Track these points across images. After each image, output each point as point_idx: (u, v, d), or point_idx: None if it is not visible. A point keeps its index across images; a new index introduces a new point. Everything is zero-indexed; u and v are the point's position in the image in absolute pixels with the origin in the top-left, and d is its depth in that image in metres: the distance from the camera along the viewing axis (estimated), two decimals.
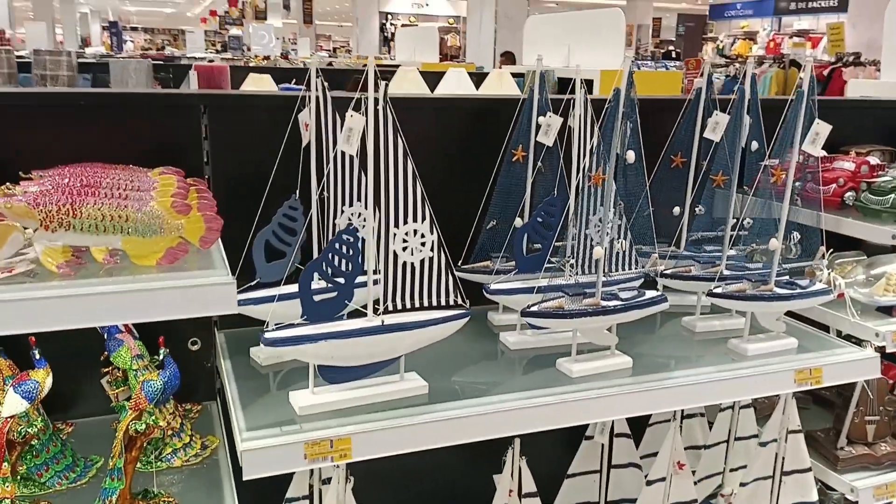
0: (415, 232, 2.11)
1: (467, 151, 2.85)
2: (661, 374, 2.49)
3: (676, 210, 3.24)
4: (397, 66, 7.69)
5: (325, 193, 2.31)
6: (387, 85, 1.89)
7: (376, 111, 1.92)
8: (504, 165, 2.70)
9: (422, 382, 2.27)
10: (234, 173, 2.51)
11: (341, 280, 2.10)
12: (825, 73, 9.49)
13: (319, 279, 2.08)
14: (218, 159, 2.50)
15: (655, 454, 2.84)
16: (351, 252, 2.10)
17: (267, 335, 2.00)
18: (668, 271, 2.95)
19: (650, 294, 2.58)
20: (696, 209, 3.25)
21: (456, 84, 6.10)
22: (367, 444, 1.96)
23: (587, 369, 2.46)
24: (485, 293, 2.80)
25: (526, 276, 2.70)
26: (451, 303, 2.28)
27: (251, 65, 11.59)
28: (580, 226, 2.44)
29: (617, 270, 2.52)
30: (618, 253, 2.68)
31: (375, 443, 1.98)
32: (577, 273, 2.48)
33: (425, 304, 2.26)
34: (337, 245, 2.08)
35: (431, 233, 2.12)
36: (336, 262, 2.09)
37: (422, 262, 2.14)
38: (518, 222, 2.73)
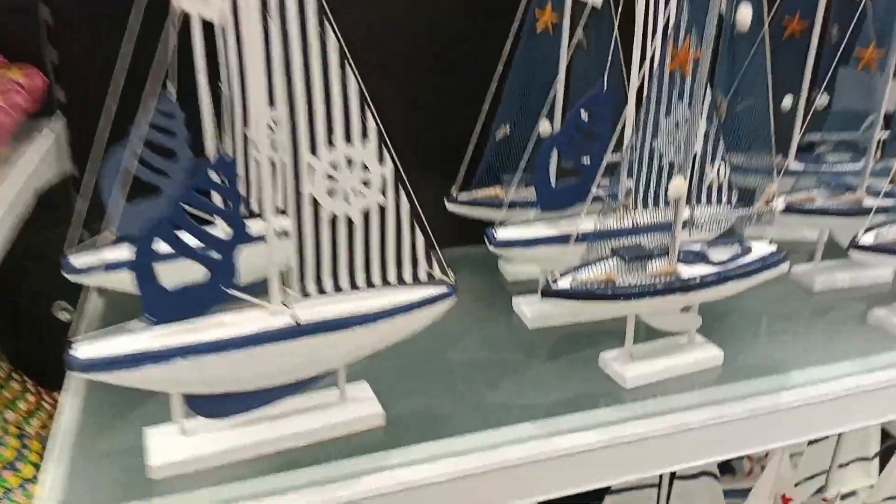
0: (348, 162, 1.37)
1: (461, 21, 2.12)
2: (771, 379, 1.75)
3: (787, 101, 2.21)
4: None
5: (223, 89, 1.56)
6: None
7: None
8: (523, 40, 1.91)
9: (374, 408, 1.59)
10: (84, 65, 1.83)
11: (214, 252, 1.33)
12: None
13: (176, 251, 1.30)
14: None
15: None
16: (227, 201, 1.34)
17: (74, 351, 1.28)
18: (781, 200, 1.83)
19: (758, 251, 1.76)
20: (818, 100, 2.23)
21: None
22: None
23: (649, 374, 1.73)
24: (488, 244, 1.72)
25: (554, 215, 1.88)
26: (425, 276, 1.52)
27: None
28: (645, 137, 1.62)
29: (705, 211, 1.71)
30: (710, 185, 1.58)
31: None
32: (638, 217, 1.67)
33: (375, 281, 1.49)
34: (199, 190, 1.31)
35: (381, 163, 1.38)
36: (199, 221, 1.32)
37: (366, 213, 1.42)
38: (544, 128, 1.92)
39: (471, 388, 1.70)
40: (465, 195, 2.08)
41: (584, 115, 1.85)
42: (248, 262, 1.40)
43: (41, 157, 1.78)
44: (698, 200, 1.72)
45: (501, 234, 1.84)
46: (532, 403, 1.63)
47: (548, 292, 1.56)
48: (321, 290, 1.45)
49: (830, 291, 2.18)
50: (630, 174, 1.73)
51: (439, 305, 1.53)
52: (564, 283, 1.57)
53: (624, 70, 1.83)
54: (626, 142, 1.75)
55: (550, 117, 1.95)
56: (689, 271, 1.64)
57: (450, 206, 2.06)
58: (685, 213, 1.63)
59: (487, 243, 1.86)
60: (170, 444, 1.45)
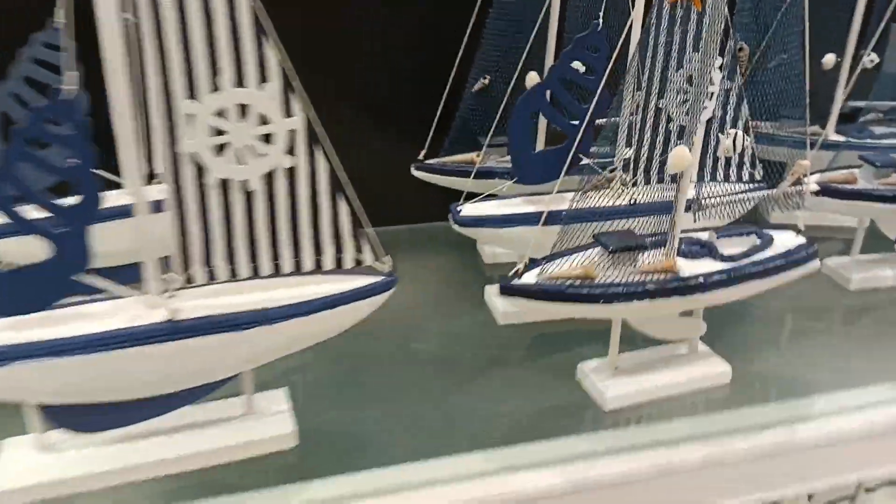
0: (241, 111, 1.06)
1: None
2: (791, 406, 1.41)
3: (828, 59, 1.86)
4: None
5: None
6: None
7: None
8: None
9: (284, 425, 1.29)
10: None
11: (62, 222, 1.05)
12: None
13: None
14: None
15: None
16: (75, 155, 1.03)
17: None
18: (814, 179, 1.49)
19: (781, 243, 1.41)
20: (866, 59, 1.90)
21: None
22: None
23: (635, 393, 1.40)
24: (452, 222, 1.39)
25: (534, 189, 1.56)
26: (352, 262, 1.21)
27: None
28: (649, 94, 1.33)
29: (716, 190, 1.35)
30: (725, 157, 1.24)
31: None
32: (635, 192, 1.35)
33: (286, 268, 1.18)
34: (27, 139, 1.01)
35: (288, 112, 1.08)
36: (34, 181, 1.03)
37: (269, 179, 1.11)
38: (531, 80, 1.58)
39: (415, 399, 1.38)
40: (435, 161, 1.74)
41: (576, 64, 1.49)
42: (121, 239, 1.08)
43: None
44: (709, 176, 1.36)
45: (467, 210, 1.51)
46: (485, 426, 1.33)
47: (507, 289, 1.23)
48: (212, 278, 1.13)
49: (870, 292, 1.83)
50: (629, 141, 1.38)
51: (369, 301, 1.20)
52: (530, 278, 1.24)
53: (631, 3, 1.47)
54: (624, 100, 1.39)
55: (539, 66, 1.59)
56: (690, 268, 1.30)
57: (415, 172, 1.74)
58: (689, 191, 1.28)
59: (451, 221, 1.52)
60: (22, 463, 1.15)
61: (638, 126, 1.41)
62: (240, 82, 1.06)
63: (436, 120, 1.74)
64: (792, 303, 1.75)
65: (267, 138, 1.10)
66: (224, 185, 1.11)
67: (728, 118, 1.47)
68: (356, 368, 1.49)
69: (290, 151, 1.12)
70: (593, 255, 1.27)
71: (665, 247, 1.30)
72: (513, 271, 1.26)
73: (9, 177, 0.99)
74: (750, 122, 1.48)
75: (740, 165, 1.50)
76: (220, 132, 1.08)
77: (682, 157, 1.21)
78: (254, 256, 1.16)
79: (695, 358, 1.46)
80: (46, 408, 1.17)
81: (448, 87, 1.72)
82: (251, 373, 1.28)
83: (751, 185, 1.50)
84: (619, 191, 1.39)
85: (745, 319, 1.66)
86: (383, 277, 1.25)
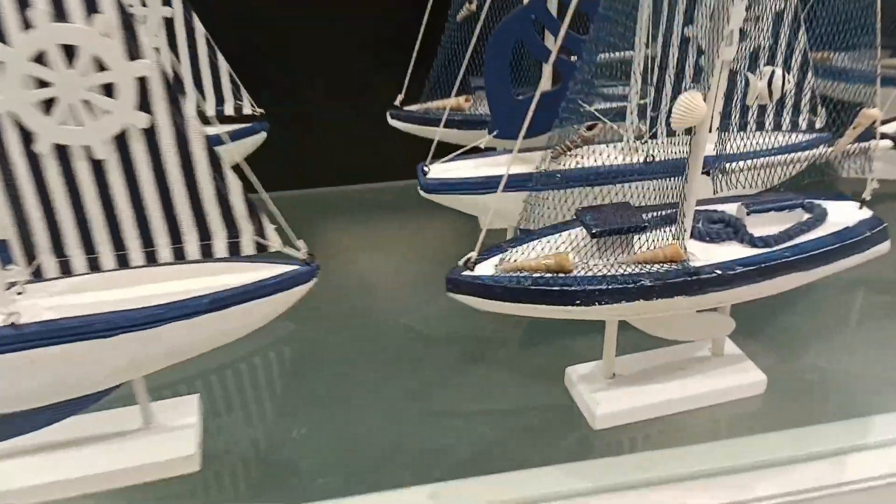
0: (67, 54, 0.82)
1: None
2: (843, 428, 1.07)
3: None
4: None
5: None
6: None
7: None
8: None
9: (186, 445, 1.05)
10: None
11: None
12: None
13: None
14: None
15: None
16: None
17: None
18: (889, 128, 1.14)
19: (837, 218, 1.05)
20: None
21: None
22: None
23: (634, 410, 1.09)
24: (420, 188, 1.13)
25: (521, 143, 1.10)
26: (252, 246, 0.97)
27: None
28: (671, 20, 1.03)
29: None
30: (777, 104, 0.95)
31: None
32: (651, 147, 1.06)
33: (163, 256, 0.94)
34: None
35: (132, 55, 0.83)
36: None
37: (120, 143, 0.86)
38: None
39: (360, 411, 1.12)
40: (416, 107, 1.44)
41: None
42: None
43: None
44: (740, 127, 1.01)
45: (435, 171, 1.20)
46: (446, 444, 1.07)
47: (454, 283, 0.93)
48: (67, 271, 0.88)
49: None
50: (647, 81, 1.07)
51: (276, 298, 0.94)
52: (485, 269, 0.94)
53: None
54: (638, 28, 1.07)
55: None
56: (708, 254, 0.96)
57: (392, 121, 1.44)
58: (708, 147, 0.94)
59: (419, 189, 1.23)
60: None
61: (657, 62, 1.08)
62: (58, 12, 0.79)
63: (413, 57, 1.43)
64: (854, 287, 1.38)
65: (108, 91, 0.84)
66: (61, 152, 0.86)
67: (780, 49, 1.11)
68: (296, 365, 1.24)
69: (145, 108, 0.85)
70: (572, 239, 0.96)
71: (674, 226, 0.98)
72: (464, 259, 0.97)
73: None
74: (810, 54, 1.12)
75: (796, 110, 1.14)
76: (42, 84, 0.83)
77: (692, 107, 0.88)
78: (118, 243, 0.91)
79: (719, 363, 1.14)
80: None
81: (426, 15, 1.39)
82: (143, 378, 1.05)
83: (808, 137, 1.15)
84: (633, 146, 1.07)
85: (790, 309, 1.31)
86: (297, 267, 0.98)
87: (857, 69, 1.33)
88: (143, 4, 1.27)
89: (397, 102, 1.49)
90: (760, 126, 1.12)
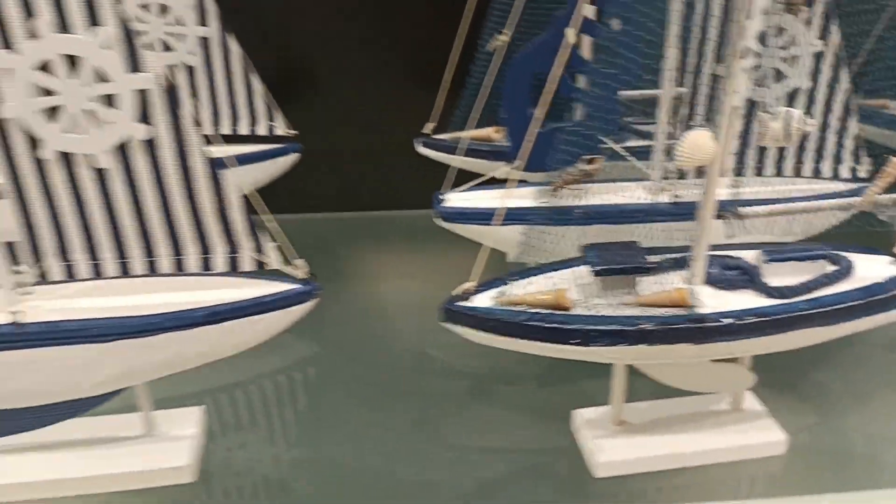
0: (71, 64, 0.85)
1: None
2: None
3: None
4: None
5: None
6: None
7: None
8: None
9: (182, 457, 1.05)
10: None
11: None
12: None
13: None
14: None
15: None
16: None
17: None
18: None
19: (865, 272, 0.97)
20: None
21: None
22: None
23: (641, 461, 1.02)
24: (434, 215, 1.12)
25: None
26: (251, 262, 0.97)
27: None
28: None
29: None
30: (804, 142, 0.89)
31: None
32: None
33: (163, 266, 0.95)
34: None
35: (133, 67, 0.85)
36: None
37: (122, 153, 0.89)
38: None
39: (362, 436, 1.11)
40: (447, 135, 1.44)
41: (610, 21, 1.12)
42: None
43: None
44: (756, 170, 0.96)
45: (451, 200, 1.18)
46: (443, 477, 1.03)
47: (450, 314, 0.91)
48: (70, 275, 0.90)
49: None
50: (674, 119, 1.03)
51: (272, 316, 0.93)
52: (482, 300, 0.91)
53: None
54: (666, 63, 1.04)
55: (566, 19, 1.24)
56: (718, 301, 0.91)
57: (419, 148, 1.43)
58: (724, 189, 0.89)
59: (435, 216, 1.22)
60: None
61: (686, 100, 1.04)
62: (62, 24, 0.82)
63: (443, 86, 1.42)
64: (882, 344, 1.28)
65: (110, 101, 0.85)
66: (66, 159, 0.88)
67: (820, 91, 1.05)
68: (306, 387, 1.23)
69: (145, 119, 0.87)
70: (574, 276, 0.92)
71: (682, 269, 0.93)
72: (460, 288, 0.94)
73: None
74: (853, 97, 1.06)
75: (836, 157, 1.07)
76: (47, 91, 0.85)
77: (699, 146, 0.83)
78: (120, 251, 0.93)
79: (737, 418, 1.07)
80: None
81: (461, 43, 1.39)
82: (148, 386, 1.06)
83: (850, 186, 1.08)
84: (657, 186, 1.03)
85: (822, 364, 1.22)
86: (296, 286, 0.97)
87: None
88: (180, 24, 1.31)
89: (426, 130, 1.49)
90: (796, 171, 1.06)
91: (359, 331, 1.30)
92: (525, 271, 0.97)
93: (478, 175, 1.34)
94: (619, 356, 0.92)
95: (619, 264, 0.91)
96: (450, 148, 1.46)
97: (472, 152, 1.42)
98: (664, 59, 1.08)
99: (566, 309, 0.91)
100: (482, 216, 1.19)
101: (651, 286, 0.93)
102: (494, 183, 1.27)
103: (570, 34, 1.32)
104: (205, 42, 1.34)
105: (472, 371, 1.28)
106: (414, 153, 1.54)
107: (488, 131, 1.43)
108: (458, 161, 1.43)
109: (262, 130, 1.44)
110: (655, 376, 1.01)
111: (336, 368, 1.28)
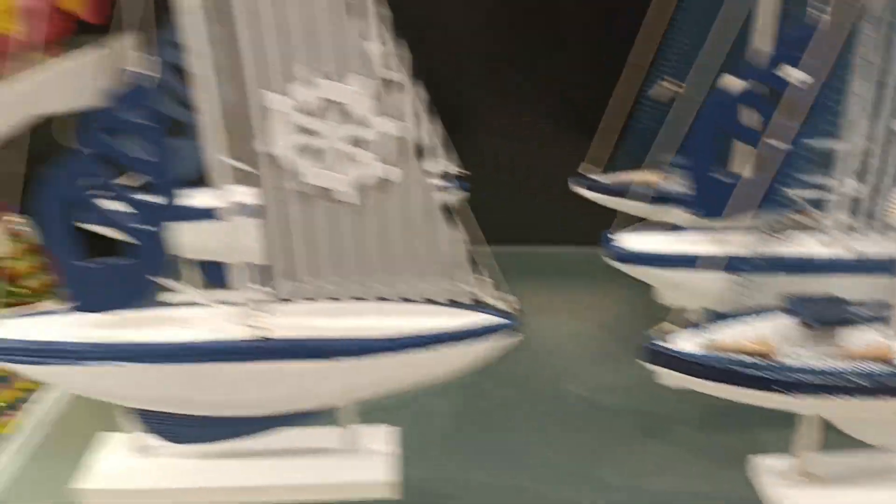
0: (335, 110, 0.94)
1: None
2: None
3: None
4: None
5: None
6: None
7: None
8: None
9: (387, 472, 1.12)
10: None
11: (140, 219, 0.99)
12: None
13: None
14: None
15: None
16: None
17: None
18: None
19: None
20: None
21: None
22: None
23: None
24: (605, 254, 1.18)
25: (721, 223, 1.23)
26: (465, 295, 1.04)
27: None
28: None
29: None
30: None
31: None
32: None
33: (382, 292, 1.04)
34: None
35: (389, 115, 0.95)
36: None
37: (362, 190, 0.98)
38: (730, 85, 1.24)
39: (537, 467, 1.17)
40: (604, 176, 1.50)
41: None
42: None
43: None
44: None
45: (623, 241, 1.24)
46: None
47: (654, 354, 0.96)
48: (308, 297, 1.01)
49: None
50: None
51: (481, 343, 1.02)
52: (686, 343, 0.96)
53: None
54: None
55: (739, 69, 1.26)
56: None
57: (574, 188, 1.51)
58: None
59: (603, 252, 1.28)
60: (111, 464, 1.13)
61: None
62: (338, 73, 0.92)
63: (600, 127, 1.49)
64: None
65: (360, 144, 0.95)
66: (322, 193, 0.98)
67: None
68: (482, 416, 1.30)
69: (389, 162, 0.96)
70: (779, 325, 0.96)
71: (882, 324, 0.96)
72: (659, 329, 0.99)
73: (85, 167, 0.93)
74: None
75: None
76: (304, 130, 0.95)
77: None
78: (341, 274, 1.02)
79: None
80: (140, 410, 1.10)
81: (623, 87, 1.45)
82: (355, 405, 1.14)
83: None
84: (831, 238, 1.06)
85: None
86: (503, 320, 1.04)
87: None
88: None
89: (583, 171, 1.56)
90: None
91: (529, 364, 1.36)
92: (718, 318, 1.01)
93: (638, 218, 1.41)
94: (824, 408, 0.95)
95: (833, 317, 0.95)
96: (606, 189, 1.52)
97: (633, 195, 1.48)
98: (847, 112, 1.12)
99: (772, 356, 0.95)
100: (662, 260, 1.24)
101: (850, 339, 0.97)
102: (662, 226, 1.32)
103: (733, 82, 1.38)
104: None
105: (634, 411, 1.33)
106: (565, 192, 1.60)
107: (651, 175, 1.49)
108: (614, 202, 1.49)
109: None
110: (853, 432, 1.02)
111: (499, 399, 1.33)
